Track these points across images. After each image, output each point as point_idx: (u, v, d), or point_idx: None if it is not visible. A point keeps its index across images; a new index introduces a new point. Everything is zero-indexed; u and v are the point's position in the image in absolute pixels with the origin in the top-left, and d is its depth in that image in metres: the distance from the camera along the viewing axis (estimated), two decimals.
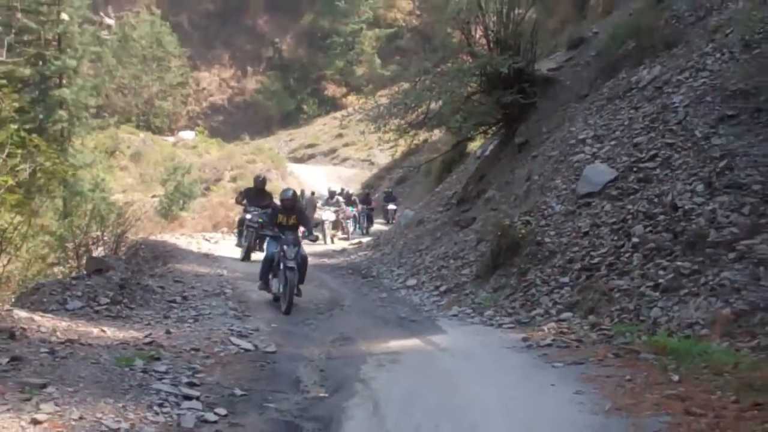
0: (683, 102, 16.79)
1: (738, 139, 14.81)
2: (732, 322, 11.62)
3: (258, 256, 22.04)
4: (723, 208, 13.56)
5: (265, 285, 16.97)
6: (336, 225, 31.96)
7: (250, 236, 22.84)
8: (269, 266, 16.73)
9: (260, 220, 22.03)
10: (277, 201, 22.27)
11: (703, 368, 9.93)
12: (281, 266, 15.92)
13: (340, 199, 31.10)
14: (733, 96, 15.82)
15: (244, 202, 23.41)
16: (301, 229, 17.72)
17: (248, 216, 22.83)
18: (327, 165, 62.97)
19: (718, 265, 12.74)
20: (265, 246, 18.21)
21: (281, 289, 15.92)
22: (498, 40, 23.02)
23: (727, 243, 12.96)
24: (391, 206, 36.61)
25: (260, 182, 24.11)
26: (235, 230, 24.73)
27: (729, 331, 11.45)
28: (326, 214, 30.01)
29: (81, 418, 8.66)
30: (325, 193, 35.60)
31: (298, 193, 31.95)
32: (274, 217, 17.18)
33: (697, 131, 15.65)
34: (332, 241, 30.50)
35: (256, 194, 23.36)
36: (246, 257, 22.90)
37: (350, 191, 36.54)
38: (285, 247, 15.89)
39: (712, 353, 10.55)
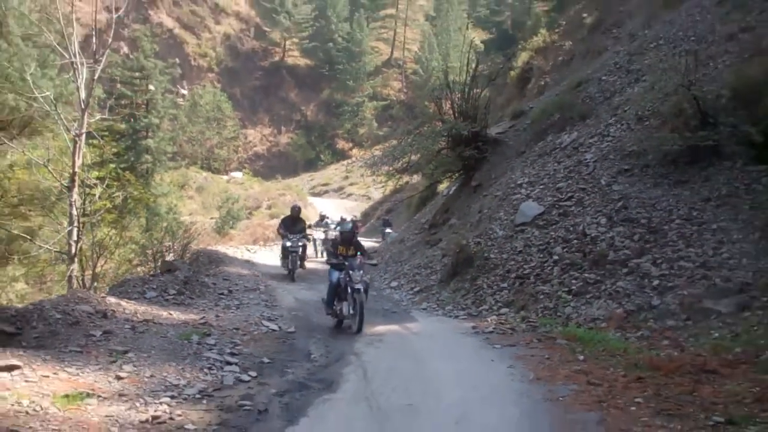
0: (593, 158, 16.84)
1: (631, 186, 14.87)
2: (623, 318, 11.65)
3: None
4: (619, 236, 13.61)
5: (332, 311, 13.30)
6: (324, 243, 27.36)
7: (294, 260, 19.51)
8: (335, 293, 13.19)
9: (300, 244, 19.63)
10: (310, 224, 22.43)
11: (601, 351, 9.94)
12: (348, 290, 12.71)
13: (329, 222, 28.12)
14: (629, 155, 15.89)
15: (283, 231, 19.88)
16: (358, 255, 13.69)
17: (288, 244, 19.48)
18: (336, 198, 63.02)
19: (614, 277, 12.78)
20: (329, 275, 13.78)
21: (351, 311, 12.72)
22: (461, 111, 23.05)
23: (621, 261, 13.00)
24: (389, 230, 35.89)
25: (296, 211, 20.81)
26: (272, 247, 23.68)
27: (621, 325, 11.48)
28: (317, 234, 28.47)
29: (152, 375, 8.80)
30: (336, 218, 33.87)
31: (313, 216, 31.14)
32: (336, 248, 13.84)
33: (602, 180, 15.69)
34: (322, 255, 27.10)
35: (292, 222, 20.15)
36: (291, 278, 19.40)
37: (350, 218, 35.26)
38: (351, 272, 12.74)
39: (608, 340, 10.57)
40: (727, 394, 7.29)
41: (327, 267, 13.97)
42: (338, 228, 30.36)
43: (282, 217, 23.48)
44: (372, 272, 20.57)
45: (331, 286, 13.28)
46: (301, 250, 19.82)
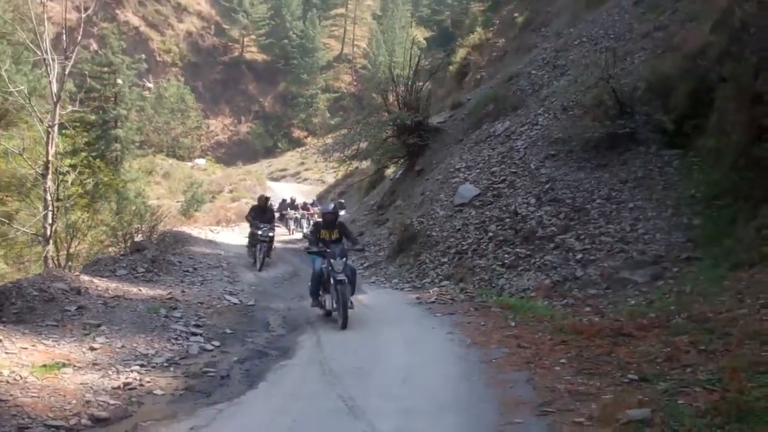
0: (523, 145, 17.01)
1: (557, 170, 15.07)
2: (551, 288, 11.83)
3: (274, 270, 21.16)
4: (547, 215, 13.80)
5: (317, 302, 11.39)
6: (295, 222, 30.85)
7: (263, 249, 17.67)
8: (318, 283, 11.24)
9: (270, 234, 17.96)
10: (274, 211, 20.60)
11: (531, 318, 10.09)
12: (331, 281, 10.70)
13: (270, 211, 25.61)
14: (555, 142, 16.09)
15: (251, 219, 18.12)
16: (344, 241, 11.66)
17: (259, 232, 17.61)
18: (293, 183, 62.54)
19: (543, 251, 12.97)
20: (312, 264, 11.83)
21: (334, 305, 10.71)
22: (405, 102, 23.04)
23: (549, 237, 13.19)
24: (342, 212, 35.45)
25: (263, 200, 19.22)
26: (233, 228, 23.23)
27: (549, 294, 11.66)
28: (293, 213, 29.66)
29: (123, 346, 8.80)
30: (294, 200, 33.79)
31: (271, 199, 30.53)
32: (317, 233, 11.74)
33: (531, 164, 15.88)
34: (292, 233, 29.39)
35: (260, 211, 18.50)
36: (261, 268, 17.36)
37: (304, 201, 35.23)
38: (332, 260, 10.72)
39: (537, 308, 10.72)
40: (641, 355, 7.45)
41: (290, 247, 13.62)
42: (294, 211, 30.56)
43: (252, 205, 21.77)
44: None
45: (313, 275, 11.36)
46: (269, 240, 18.06)
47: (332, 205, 12.49)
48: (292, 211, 31.30)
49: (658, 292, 10.34)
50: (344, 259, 10.78)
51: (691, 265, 10.79)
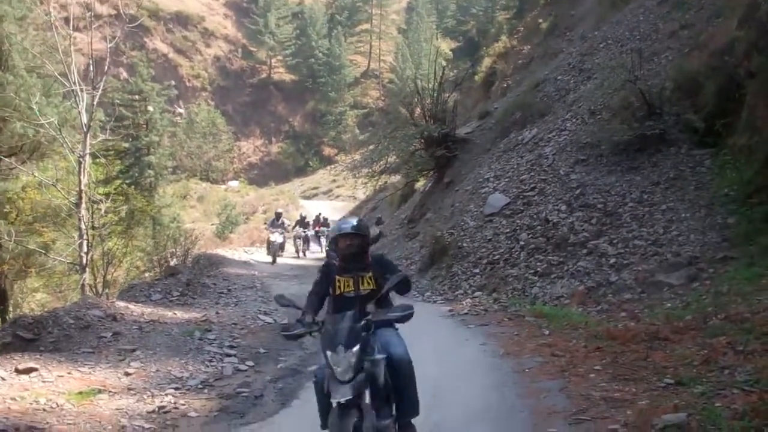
0: (552, 151, 16.91)
1: (588, 175, 14.94)
2: (585, 295, 11.70)
3: (287, 261, 23.94)
4: (578, 220, 13.67)
5: None
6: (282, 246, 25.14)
7: (275, 248, 23.50)
8: (322, 405, 5.04)
9: (281, 238, 24.18)
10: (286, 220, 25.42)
11: (565, 326, 9.99)
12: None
13: (286, 221, 25.55)
14: (584, 147, 15.96)
15: (269, 228, 24.91)
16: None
17: (271, 238, 23.82)
18: (325, 200, 62.86)
19: (575, 258, 12.84)
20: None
21: None
22: (432, 115, 23.09)
23: (581, 243, 13.06)
24: (376, 229, 34.09)
25: (278, 214, 25.49)
26: (266, 245, 24.84)
27: (583, 301, 11.53)
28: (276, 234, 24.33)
29: (157, 370, 8.88)
30: (304, 216, 30.87)
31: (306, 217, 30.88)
32: (325, 282, 5.64)
33: (561, 170, 15.77)
34: (302, 254, 27.47)
35: (275, 221, 24.72)
36: (274, 261, 23.14)
37: (317, 215, 32.77)
38: (329, 353, 4.66)
39: (571, 315, 10.62)
40: (677, 358, 7.34)
41: (319, 264, 13.51)
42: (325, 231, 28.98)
43: (270, 218, 27.00)
44: None
45: (315, 387, 7.25)
46: (281, 240, 24.35)
47: (353, 221, 5.63)
48: (301, 229, 28.22)
49: (694, 294, 10.17)
50: (356, 349, 4.71)
51: (727, 264, 10.60)
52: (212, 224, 47.92)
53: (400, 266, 17.41)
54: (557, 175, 15.70)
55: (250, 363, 9.59)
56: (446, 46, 78.49)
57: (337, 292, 5.52)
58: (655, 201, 12.99)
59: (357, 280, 5.47)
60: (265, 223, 26.47)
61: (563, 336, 9.35)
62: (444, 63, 30.43)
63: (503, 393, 7.09)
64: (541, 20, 33.20)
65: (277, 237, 23.81)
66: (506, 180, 17.37)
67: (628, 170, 14.28)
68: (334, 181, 69.20)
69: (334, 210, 48.60)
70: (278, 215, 25.37)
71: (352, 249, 5.46)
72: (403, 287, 5.40)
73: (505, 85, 31.03)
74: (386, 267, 5.56)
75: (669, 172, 13.45)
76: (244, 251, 28.24)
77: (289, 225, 26.47)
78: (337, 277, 5.52)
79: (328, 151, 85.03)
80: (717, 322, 8.31)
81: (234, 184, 72.83)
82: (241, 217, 51.15)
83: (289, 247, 27.30)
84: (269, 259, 23.44)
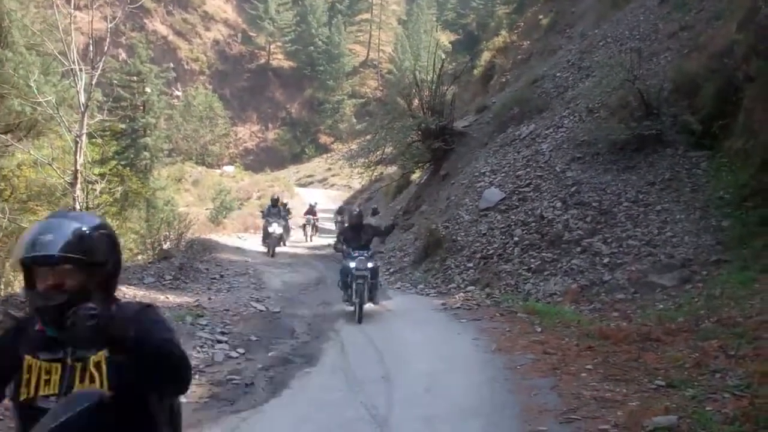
0: (548, 148, 16.88)
1: (583, 173, 14.92)
2: (578, 293, 11.72)
3: (281, 249, 22.39)
4: (573, 218, 13.67)
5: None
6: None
7: (274, 241, 21.18)
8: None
9: (280, 229, 21.64)
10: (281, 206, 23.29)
11: (557, 323, 10.00)
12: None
13: (281, 209, 24.27)
14: (581, 144, 15.93)
15: (266, 218, 21.83)
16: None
17: (270, 229, 21.06)
18: (320, 188, 62.78)
19: (569, 255, 12.85)
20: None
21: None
22: (430, 107, 23.02)
23: (575, 241, 13.07)
24: (373, 219, 33.48)
25: (274, 200, 23.14)
26: (261, 233, 23.56)
27: (576, 299, 11.55)
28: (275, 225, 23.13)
29: None
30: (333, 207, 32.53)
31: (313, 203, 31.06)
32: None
33: (557, 167, 15.74)
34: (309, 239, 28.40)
35: (271, 209, 22.23)
36: (272, 255, 20.86)
37: (310, 204, 32.52)
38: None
39: (564, 313, 10.65)
40: (668, 360, 7.36)
41: (321, 250, 13.84)
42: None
43: (267, 205, 24.34)
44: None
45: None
46: (280, 231, 21.88)
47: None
48: (310, 216, 29.97)
49: (686, 296, 10.20)
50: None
51: (721, 268, 10.63)
52: (206, 209, 47.69)
53: (393, 255, 17.65)
54: (553, 172, 15.67)
55: (242, 350, 9.54)
56: (446, 38, 78.21)
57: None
58: (650, 201, 12.99)
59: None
60: (261, 211, 23.84)
61: (555, 334, 9.35)
62: (443, 55, 30.33)
63: (495, 389, 7.08)
64: (541, 16, 33.11)
65: (276, 228, 21.32)
66: (502, 175, 17.33)
67: (624, 169, 14.27)
68: (329, 169, 69.11)
69: (329, 198, 48.58)
70: (275, 201, 23.12)
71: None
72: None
73: (503, 80, 30.96)
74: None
75: (665, 173, 13.45)
76: (238, 237, 28.18)
77: (290, 210, 26.44)
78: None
79: (324, 139, 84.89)
80: (709, 325, 8.33)
81: (229, 169, 72.58)
82: (236, 203, 50.95)
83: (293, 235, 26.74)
84: (263, 248, 21.79)
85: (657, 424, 5.37)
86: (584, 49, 21.56)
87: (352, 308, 11.50)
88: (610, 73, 16.33)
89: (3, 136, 18.79)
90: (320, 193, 55.31)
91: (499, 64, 33.87)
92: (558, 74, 21.33)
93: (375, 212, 29.37)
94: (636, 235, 12.35)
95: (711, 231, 11.56)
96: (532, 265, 13.27)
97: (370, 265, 11.49)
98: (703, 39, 15.81)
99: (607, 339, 8.51)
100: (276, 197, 24.31)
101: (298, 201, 44.96)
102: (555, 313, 10.68)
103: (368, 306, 11.70)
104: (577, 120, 17.28)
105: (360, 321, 10.98)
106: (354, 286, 11.28)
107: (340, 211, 30.33)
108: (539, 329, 9.76)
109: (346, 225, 13.31)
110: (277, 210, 22.32)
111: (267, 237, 21.44)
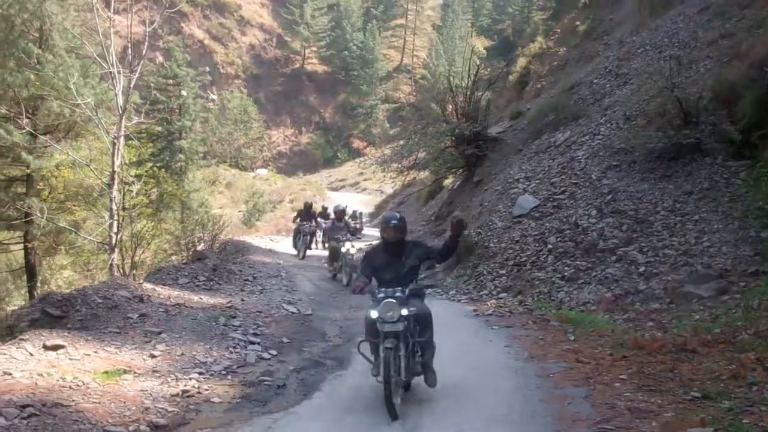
0: (584, 155, 16.76)
1: (620, 180, 14.80)
2: (612, 302, 11.60)
3: (312, 252, 22.77)
4: (609, 226, 13.55)
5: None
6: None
7: (305, 242, 21.86)
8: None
9: (309, 231, 21.97)
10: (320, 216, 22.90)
11: (591, 332, 9.93)
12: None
13: (349, 223, 22.98)
14: (617, 152, 15.81)
15: (298, 220, 22.26)
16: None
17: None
18: (352, 192, 63.09)
19: (604, 264, 12.73)
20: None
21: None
22: (464, 113, 22.95)
23: (610, 249, 12.95)
24: (354, 223, 31.01)
25: (307, 206, 23.13)
26: (292, 236, 23.46)
27: (610, 308, 11.42)
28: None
29: (182, 354, 8.96)
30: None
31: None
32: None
33: (593, 175, 15.63)
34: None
35: (305, 214, 22.26)
36: (303, 257, 21.35)
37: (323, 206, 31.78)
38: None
39: (597, 322, 10.56)
40: (704, 372, 7.27)
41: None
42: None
43: (298, 210, 24.02)
44: None
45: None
46: (309, 237, 22.22)
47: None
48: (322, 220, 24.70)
49: (723, 307, 10.06)
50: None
51: (759, 279, 10.47)
52: (239, 211, 48.22)
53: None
54: (589, 180, 15.56)
55: (274, 352, 9.62)
56: (481, 44, 78.41)
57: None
58: (687, 211, 12.83)
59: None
60: (296, 216, 22.83)
61: (589, 342, 9.28)
62: (478, 61, 30.31)
63: (526, 397, 7.03)
64: (578, 23, 32.97)
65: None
66: (536, 182, 17.24)
67: (662, 178, 14.12)
68: (361, 173, 69.47)
69: (360, 202, 48.73)
70: (307, 206, 22.93)
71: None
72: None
73: (539, 86, 30.87)
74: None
75: (703, 183, 13.29)
76: (270, 239, 28.33)
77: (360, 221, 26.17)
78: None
79: (357, 143, 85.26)
80: (746, 337, 8.22)
81: (262, 172, 73.22)
82: (268, 206, 51.42)
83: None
84: (294, 251, 22.21)
85: None
86: (622, 56, 21.39)
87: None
88: (648, 81, 16.18)
89: (42, 137, 19.15)
90: (352, 197, 55.47)
91: (535, 70, 33.78)
92: (595, 81, 21.19)
93: (354, 215, 28.25)
94: (672, 244, 12.21)
95: (749, 242, 11.39)
96: (566, 273, 13.16)
97: (404, 313, 6.74)
98: (744, 47, 15.59)
99: (642, 349, 8.41)
100: (309, 202, 23.90)
101: (330, 204, 45.31)
102: (588, 321, 10.59)
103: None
104: (613, 127, 17.14)
105: (394, 417, 6.49)
106: (382, 353, 6.67)
107: (353, 216, 27.85)
108: (572, 338, 9.68)
109: (375, 244, 8.45)
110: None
111: (298, 239, 21.85)
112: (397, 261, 7.33)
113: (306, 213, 22.34)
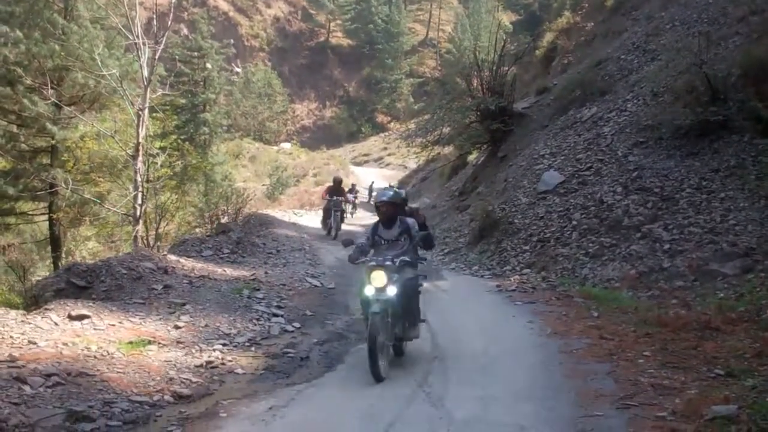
0: (611, 132, 16.63)
1: (646, 157, 14.67)
2: (636, 279, 11.54)
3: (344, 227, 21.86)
4: (634, 203, 13.46)
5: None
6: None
7: (337, 218, 19.99)
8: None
9: (342, 207, 20.59)
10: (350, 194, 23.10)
11: (614, 309, 9.90)
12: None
13: (355, 190, 24.71)
14: (644, 129, 15.64)
15: (328, 196, 20.12)
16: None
17: (333, 209, 19.79)
18: (375, 168, 63.05)
19: (628, 241, 12.67)
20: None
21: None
22: (489, 87, 22.86)
23: (635, 227, 12.87)
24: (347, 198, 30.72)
25: (338, 181, 21.32)
26: (319, 211, 22.94)
27: (633, 285, 11.38)
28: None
29: (206, 325, 9.02)
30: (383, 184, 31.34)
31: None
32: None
33: (619, 151, 15.51)
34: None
35: (335, 189, 20.55)
36: (335, 236, 19.40)
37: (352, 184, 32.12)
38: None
39: (621, 299, 10.53)
40: (728, 350, 7.23)
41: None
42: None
43: (327, 185, 23.38)
44: None
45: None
46: (341, 213, 20.59)
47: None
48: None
49: (748, 286, 9.97)
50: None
51: None
52: (263, 185, 48.38)
53: (448, 236, 17.51)
54: (615, 156, 15.45)
55: (297, 324, 9.70)
56: (507, 18, 77.57)
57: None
58: (713, 188, 12.69)
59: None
60: (326, 191, 20.88)
61: (612, 319, 9.26)
62: (504, 36, 30.01)
63: (550, 372, 7.05)
64: None
65: (338, 204, 19.90)
66: (562, 158, 17.15)
67: (688, 155, 13.96)
68: (385, 148, 69.33)
69: (384, 177, 48.70)
70: (338, 182, 21.29)
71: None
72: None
73: (565, 62, 30.50)
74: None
75: (730, 160, 13.11)
76: (294, 213, 28.43)
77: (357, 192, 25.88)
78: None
79: (381, 118, 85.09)
80: None
81: (286, 146, 73.39)
82: (292, 180, 51.57)
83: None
84: (320, 226, 21.28)
85: (716, 413, 5.28)
86: (650, 32, 21.09)
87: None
88: (677, 57, 15.96)
89: (67, 108, 19.26)
90: (375, 172, 55.47)
91: (562, 45, 33.36)
92: (622, 57, 20.93)
93: (352, 189, 27.78)
94: (698, 222, 12.09)
95: None
96: (590, 250, 13.13)
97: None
98: None
99: (666, 326, 8.38)
100: (339, 178, 22.44)
101: (352, 179, 45.29)
102: (612, 298, 10.56)
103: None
104: (641, 104, 16.96)
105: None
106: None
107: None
108: (596, 314, 9.66)
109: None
110: (341, 193, 20.55)
111: (328, 215, 20.30)
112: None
113: (336, 189, 20.84)
